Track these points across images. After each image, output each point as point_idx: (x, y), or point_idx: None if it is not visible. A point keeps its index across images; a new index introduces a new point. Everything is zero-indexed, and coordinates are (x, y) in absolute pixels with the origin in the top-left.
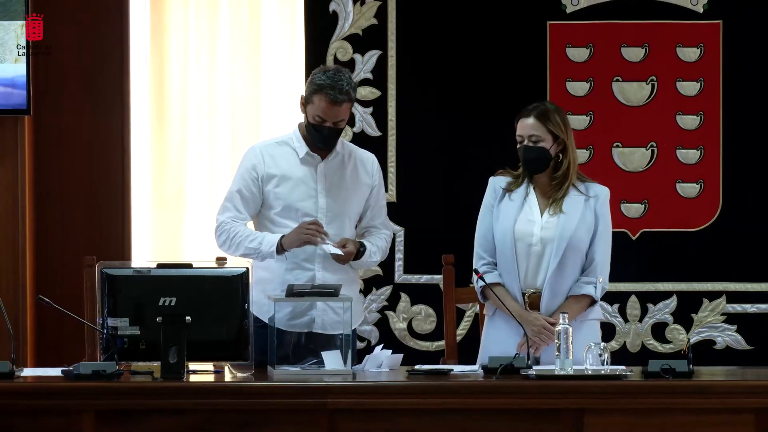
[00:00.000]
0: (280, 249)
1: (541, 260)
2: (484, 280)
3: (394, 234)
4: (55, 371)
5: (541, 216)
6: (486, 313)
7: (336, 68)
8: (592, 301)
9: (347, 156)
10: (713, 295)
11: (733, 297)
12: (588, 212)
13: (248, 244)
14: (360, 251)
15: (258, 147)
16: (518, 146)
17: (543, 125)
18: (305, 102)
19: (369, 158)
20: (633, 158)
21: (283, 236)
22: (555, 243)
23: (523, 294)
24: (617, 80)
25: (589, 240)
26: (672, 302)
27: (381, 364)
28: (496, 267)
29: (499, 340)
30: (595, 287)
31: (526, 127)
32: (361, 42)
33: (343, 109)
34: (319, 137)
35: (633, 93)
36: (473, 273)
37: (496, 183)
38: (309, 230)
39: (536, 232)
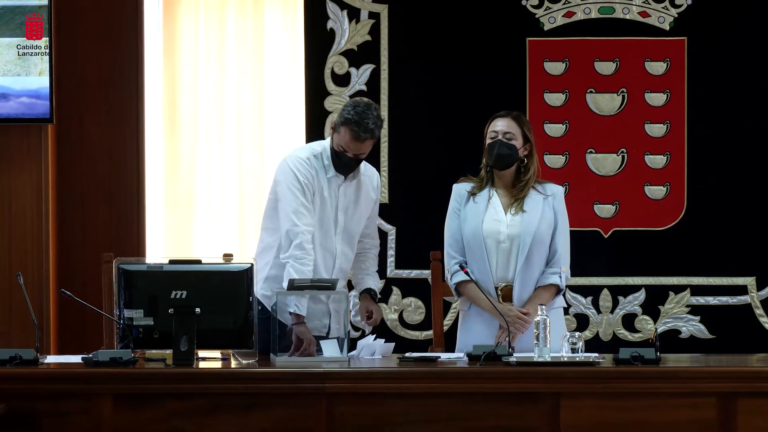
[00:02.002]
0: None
1: (509, 255)
2: (469, 276)
3: (387, 232)
4: (76, 358)
5: (505, 215)
6: (461, 308)
7: (366, 104)
8: (558, 290)
9: (362, 175)
10: (678, 289)
11: (697, 290)
12: (547, 209)
13: (302, 276)
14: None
15: (306, 156)
16: (489, 143)
17: (518, 126)
18: (333, 129)
19: (374, 175)
20: (605, 163)
21: (297, 322)
22: (521, 239)
23: (496, 287)
24: (590, 92)
25: (551, 234)
26: (641, 295)
27: (374, 352)
28: (467, 265)
29: (474, 332)
30: (560, 277)
31: (501, 125)
32: (356, 57)
33: (365, 144)
34: (340, 164)
35: (605, 103)
36: (448, 270)
37: (460, 188)
38: (303, 348)
39: (503, 230)
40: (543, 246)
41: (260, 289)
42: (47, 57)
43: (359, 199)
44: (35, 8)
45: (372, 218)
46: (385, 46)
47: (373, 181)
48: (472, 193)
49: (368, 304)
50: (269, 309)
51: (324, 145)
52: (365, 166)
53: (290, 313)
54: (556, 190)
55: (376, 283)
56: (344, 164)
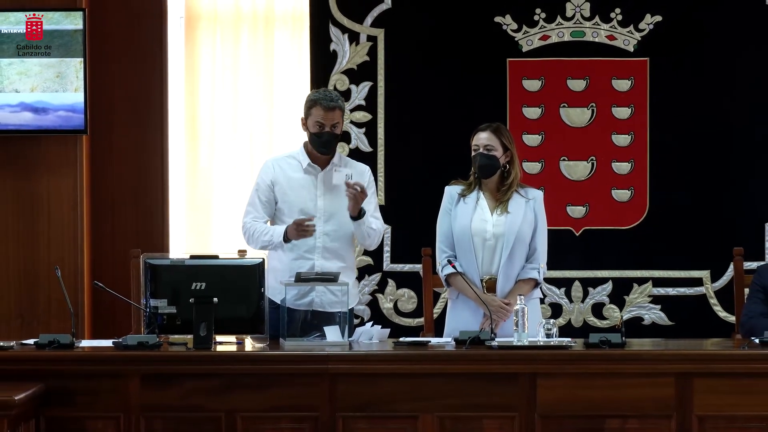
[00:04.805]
0: (286, 239)
1: (494, 251)
2: (455, 268)
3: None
4: (107, 342)
5: (491, 215)
6: (449, 297)
7: (324, 88)
8: (536, 283)
9: (343, 167)
10: (642, 281)
11: (658, 282)
12: (529, 211)
13: (263, 237)
14: (361, 213)
15: (271, 161)
16: (473, 155)
17: (497, 138)
18: (305, 118)
19: (364, 171)
20: (576, 169)
21: (287, 228)
22: (505, 237)
23: (481, 280)
24: (564, 106)
25: (531, 234)
26: (608, 286)
27: (372, 337)
28: (456, 259)
29: (461, 319)
30: (538, 271)
31: (483, 138)
32: (355, 75)
33: (336, 113)
34: (320, 142)
35: (576, 116)
36: (439, 264)
37: (452, 190)
38: (301, 228)
39: (489, 229)
40: (524, 244)
41: (270, 284)
42: (82, 75)
43: (340, 184)
44: (71, 32)
45: (369, 207)
46: (382, 65)
47: (364, 176)
48: (462, 195)
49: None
50: (277, 301)
51: (299, 148)
52: (352, 162)
53: (284, 239)
54: (537, 195)
55: (369, 216)
56: (325, 142)
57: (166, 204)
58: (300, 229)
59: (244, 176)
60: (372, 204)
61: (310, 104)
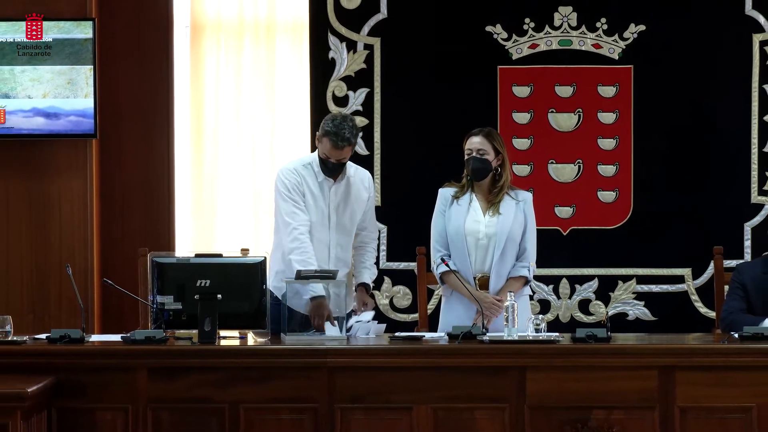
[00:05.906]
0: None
1: (486, 251)
2: (449, 267)
3: (379, 230)
4: (116, 337)
5: (484, 216)
6: (443, 294)
7: (342, 117)
8: (526, 281)
9: (351, 177)
10: (626, 278)
11: (642, 279)
12: (519, 213)
13: (304, 269)
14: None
15: (292, 169)
16: (466, 158)
17: (489, 142)
18: (318, 140)
19: (366, 176)
20: (564, 172)
21: (313, 299)
22: (497, 237)
23: (474, 277)
24: (552, 111)
25: (521, 234)
26: (594, 283)
27: (369, 332)
28: (450, 258)
29: (454, 315)
30: (528, 270)
31: (475, 142)
32: (353, 82)
33: (344, 151)
34: (326, 169)
35: (564, 121)
36: (434, 262)
37: (445, 192)
38: (318, 318)
39: (482, 230)
40: (515, 243)
41: (272, 281)
42: (92, 81)
43: (349, 197)
44: (81, 40)
45: (369, 214)
46: (378, 72)
47: (364, 182)
48: (456, 197)
49: (363, 296)
50: (279, 297)
51: (313, 155)
52: (356, 169)
53: (311, 299)
54: (527, 197)
55: (371, 276)
56: (330, 169)
57: (172, 205)
58: (318, 320)
59: (247, 179)
60: (372, 214)
61: (324, 133)
